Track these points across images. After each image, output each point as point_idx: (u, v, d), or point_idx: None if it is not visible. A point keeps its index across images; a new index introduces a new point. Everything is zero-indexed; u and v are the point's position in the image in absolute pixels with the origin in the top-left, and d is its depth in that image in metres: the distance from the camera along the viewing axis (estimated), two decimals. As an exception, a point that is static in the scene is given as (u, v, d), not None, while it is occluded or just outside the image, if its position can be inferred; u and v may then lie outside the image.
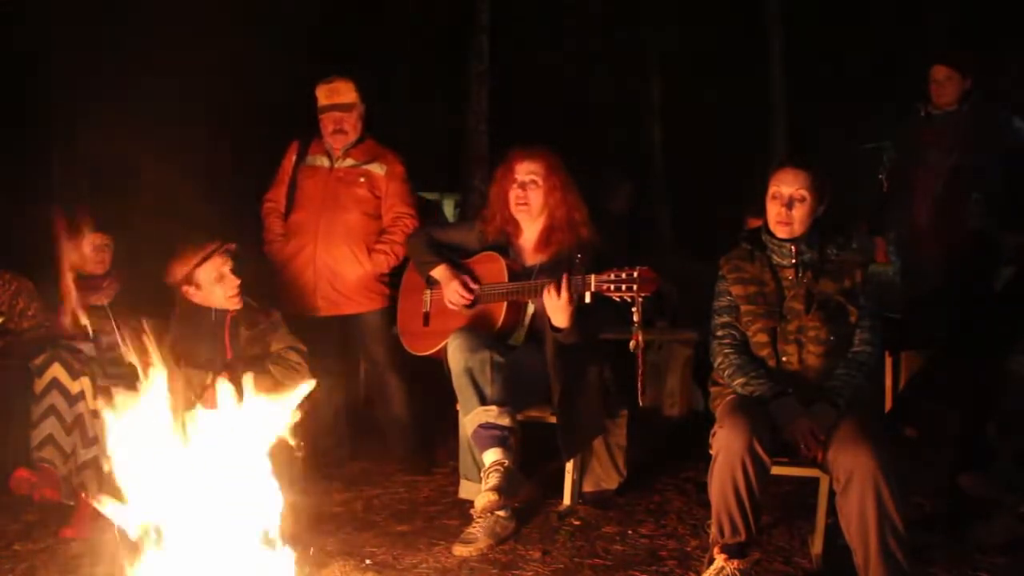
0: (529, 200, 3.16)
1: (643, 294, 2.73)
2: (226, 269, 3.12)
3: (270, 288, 3.60)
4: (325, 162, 3.69)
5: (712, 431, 2.59)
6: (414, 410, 3.76)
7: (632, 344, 2.79)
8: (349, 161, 3.68)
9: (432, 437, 3.88)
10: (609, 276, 2.77)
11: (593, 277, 2.81)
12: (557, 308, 2.86)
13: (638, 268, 2.73)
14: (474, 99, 9.25)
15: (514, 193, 3.18)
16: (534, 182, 3.16)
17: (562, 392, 3.03)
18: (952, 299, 3.72)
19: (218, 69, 7.20)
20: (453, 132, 9.90)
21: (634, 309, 2.75)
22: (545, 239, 3.19)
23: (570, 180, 3.19)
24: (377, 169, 3.67)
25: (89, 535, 2.81)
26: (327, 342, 3.64)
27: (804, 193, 2.67)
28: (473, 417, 2.89)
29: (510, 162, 3.22)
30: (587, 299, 2.84)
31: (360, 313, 3.68)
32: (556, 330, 2.93)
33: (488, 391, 2.88)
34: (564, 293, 2.82)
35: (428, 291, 3.39)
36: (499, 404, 2.87)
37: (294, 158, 3.75)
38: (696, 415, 4.36)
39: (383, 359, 3.71)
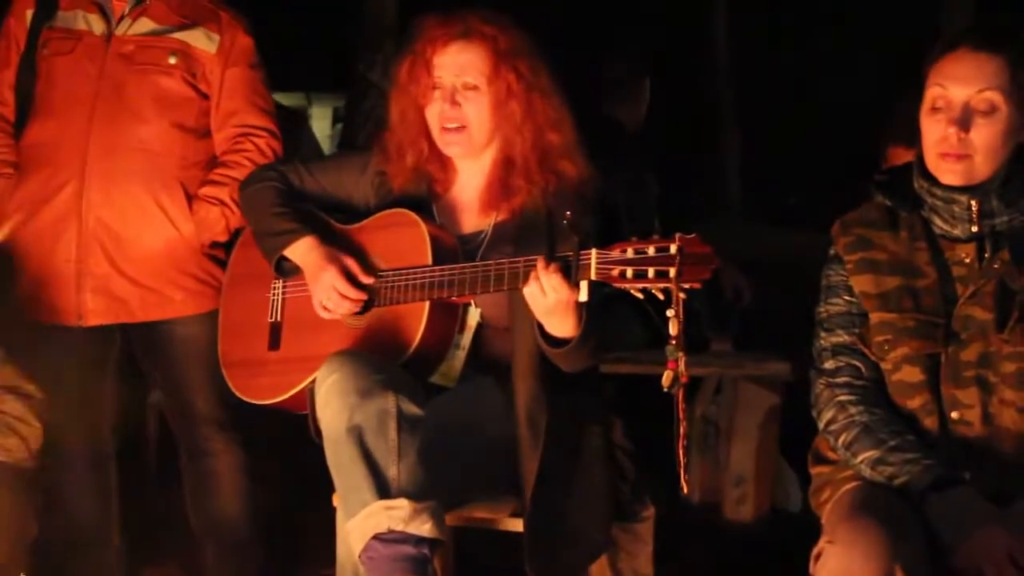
0: (467, 119, 3.13)
1: (688, 285, 2.64)
2: None
3: None
4: (97, 25, 3.56)
5: (816, 549, 2.55)
6: (254, 507, 3.71)
7: (666, 379, 2.69)
8: (146, 24, 3.56)
9: (287, 556, 3.93)
10: (624, 251, 2.68)
11: (594, 253, 2.74)
12: (556, 304, 2.82)
13: (678, 237, 2.64)
14: None
15: (437, 108, 3.13)
16: (471, 86, 3.13)
17: (542, 474, 2.97)
18: None
19: None
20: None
21: (671, 313, 2.68)
22: (499, 187, 3.16)
23: (541, 76, 3.15)
24: (201, 40, 3.57)
25: None
26: (93, 374, 3.60)
27: (994, 97, 2.61)
28: (365, 520, 2.75)
29: (422, 47, 3.16)
30: (583, 294, 2.79)
31: (166, 321, 3.60)
32: (557, 345, 2.90)
33: (392, 471, 2.76)
34: (556, 275, 2.80)
35: (278, 285, 3.35)
36: (414, 496, 2.75)
37: (29, 14, 3.63)
38: (785, 518, 4.50)
39: (207, 408, 3.64)
